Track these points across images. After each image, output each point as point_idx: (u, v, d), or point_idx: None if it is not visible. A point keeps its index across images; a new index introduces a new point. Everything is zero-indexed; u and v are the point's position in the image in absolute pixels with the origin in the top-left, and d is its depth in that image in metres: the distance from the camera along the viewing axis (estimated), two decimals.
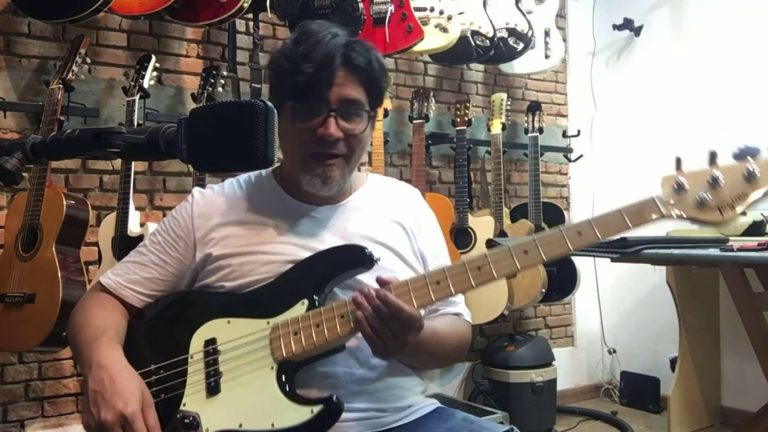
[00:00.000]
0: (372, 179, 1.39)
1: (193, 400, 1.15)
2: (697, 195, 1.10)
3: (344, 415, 1.12)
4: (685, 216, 1.10)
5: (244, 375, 1.14)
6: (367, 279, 1.18)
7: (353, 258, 1.19)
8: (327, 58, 1.18)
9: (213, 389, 1.14)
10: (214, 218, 1.28)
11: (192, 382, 1.16)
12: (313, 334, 1.13)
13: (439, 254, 1.36)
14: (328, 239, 1.24)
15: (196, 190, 1.34)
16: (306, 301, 1.16)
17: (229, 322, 1.18)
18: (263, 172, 1.34)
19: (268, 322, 1.16)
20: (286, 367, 1.13)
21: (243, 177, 1.35)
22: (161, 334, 1.25)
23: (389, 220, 1.32)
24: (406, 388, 1.27)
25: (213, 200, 1.31)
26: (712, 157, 1.11)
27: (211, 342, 1.17)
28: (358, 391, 1.19)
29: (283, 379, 1.13)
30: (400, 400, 1.25)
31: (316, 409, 1.09)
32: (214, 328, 1.18)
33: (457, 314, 1.36)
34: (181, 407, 1.14)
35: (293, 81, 1.18)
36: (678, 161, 1.14)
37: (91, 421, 1.06)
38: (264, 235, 1.25)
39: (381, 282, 1.13)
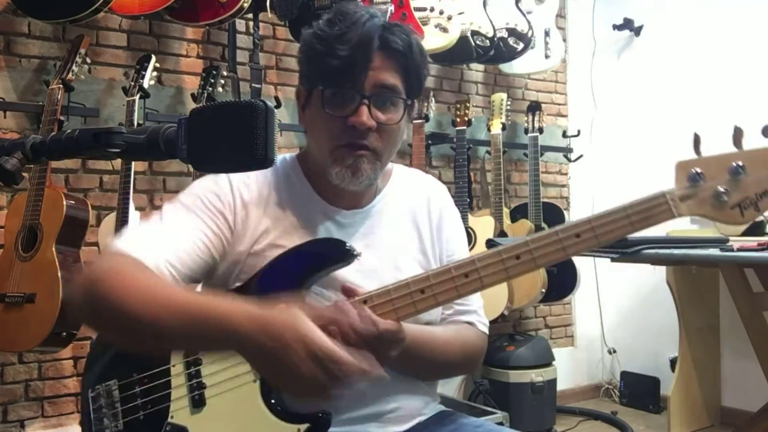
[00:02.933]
0: (398, 174, 1.29)
1: (180, 413, 1.11)
2: (715, 188, 0.94)
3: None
4: (699, 215, 0.97)
5: (229, 389, 1.09)
6: (348, 274, 1.12)
7: (332, 253, 1.10)
8: (364, 40, 1.08)
9: (198, 402, 1.10)
10: (252, 209, 1.15)
11: (177, 395, 1.11)
12: None
13: (454, 258, 1.25)
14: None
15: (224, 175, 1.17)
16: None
17: None
18: (287, 158, 1.23)
19: None
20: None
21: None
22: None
23: (415, 224, 1.24)
24: (415, 409, 1.20)
25: (250, 185, 1.16)
26: (737, 137, 0.95)
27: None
28: (359, 405, 1.13)
29: (268, 393, 1.07)
30: (406, 422, 1.19)
31: (303, 428, 1.04)
32: None
33: (470, 323, 1.25)
34: (169, 419, 1.11)
35: (326, 64, 1.08)
36: (696, 140, 0.97)
37: (310, 384, 0.86)
38: (290, 237, 1.14)
39: (346, 291, 1.05)
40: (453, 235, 1.28)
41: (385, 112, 1.11)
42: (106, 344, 1.25)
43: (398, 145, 1.18)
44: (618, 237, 1.00)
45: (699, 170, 0.96)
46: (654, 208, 0.98)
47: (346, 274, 1.12)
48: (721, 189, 0.94)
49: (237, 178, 1.16)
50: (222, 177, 1.16)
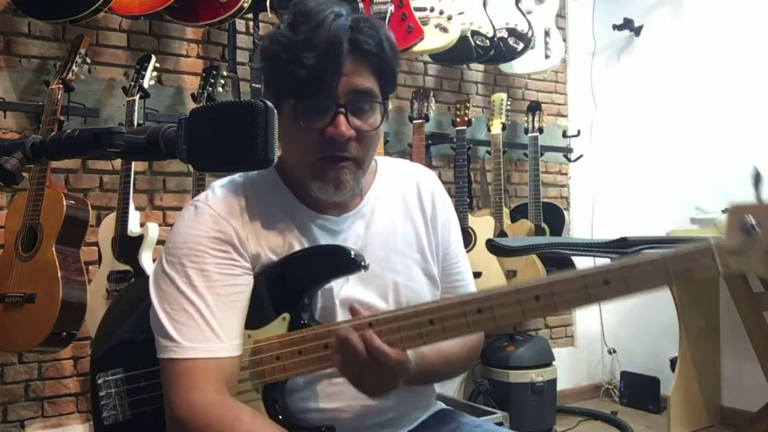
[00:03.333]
0: (383, 169, 1.22)
1: None
2: None
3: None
4: (753, 274, 0.85)
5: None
6: (346, 279, 1.10)
7: (339, 263, 1.07)
8: (332, 45, 1.00)
9: None
10: (249, 233, 1.09)
11: None
12: (296, 363, 1.03)
13: (451, 250, 1.24)
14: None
15: (200, 203, 1.09)
16: (287, 316, 1.06)
17: None
18: (267, 173, 1.15)
19: (250, 335, 1.06)
20: (272, 389, 1.06)
21: (245, 179, 1.14)
22: (145, 334, 1.12)
23: (410, 218, 1.19)
24: (419, 408, 1.21)
25: (231, 208, 1.09)
26: None
27: None
28: (364, 413, 1.12)
29: (273, 406, 1.06)
30: (410, 423, 1.19)
31: None
32: None
33: None
34: None
35: (293, 75, 1.00)
36: (757, 178, 0.82)
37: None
38: (283, 251, 1.10)
39: (352, 311, 1.03)
40: (447, 223, 1.24)
41: (363, 118, 1.05)
42: (112, 327, 1.25)
43: (377, 147, 1.13)
44: (651, 289, 0.88)
45: (756, 222, 0.82)
46: (697, 263, 0.86)
47: (343, 279, 1.11)
48: None
49: (218, 206, 1.08)
50: (206, 212, 1.07)
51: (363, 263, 1.05)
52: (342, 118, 1.03)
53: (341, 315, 1.10)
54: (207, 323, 1.02)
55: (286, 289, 1.07)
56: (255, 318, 1.07)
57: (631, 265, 0.88)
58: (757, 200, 0.83)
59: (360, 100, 1.05)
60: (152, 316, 1.06)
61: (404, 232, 1.18)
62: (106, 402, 1.16)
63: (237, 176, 1.15)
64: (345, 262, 1.06)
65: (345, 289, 1.11)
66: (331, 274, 1.08)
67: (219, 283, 1.04)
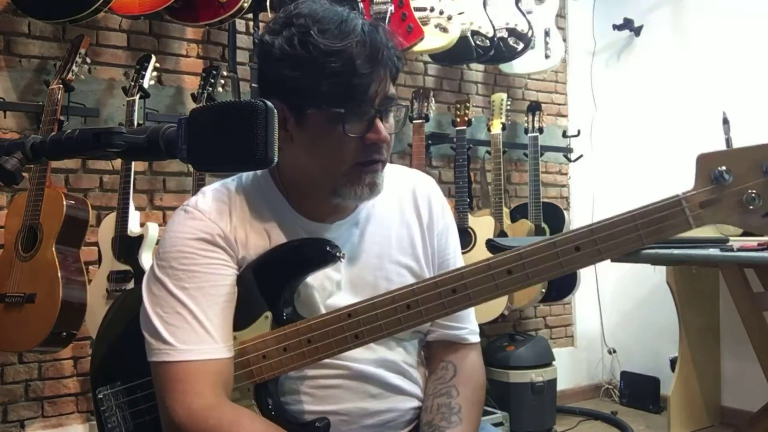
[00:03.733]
0: None
1: None
2: (745, 192, 0.79)
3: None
4: (723, 223, 0.83)
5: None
6: (338, 286, 1.11)
7: (314, 255, 1.06)
8: (375, 54, 1.01)
9: None
10: (228, 230, 1.09)
11: None
12: (282, 361, 1.04)
13: (448, 258, 1.23)
14: (345, 261, 1.12)
15: (189, 206, 1.09)
16: (269, 315, 1.06)
17: None
18: (261, 179, 1.15)
19: (235, 337, 1.06)
20: (263, 389, 1.06)
21: (237, 184, 1.14)
22: (140, 344, 1.09)
23: (405, 223, 1.19)
24: (414, 413, 1.19)
25: (220, 211, 1.09)
26: None
27: None
28: (360, 414, 1.12)
29: (265, 403, 1.06)
30: (406, 426, 1.18)
31: None
32: None
33: (461, 339, 1.23)
34: None
35: (343, 83, 0.99)
36: (725, 121, 0.80)
37: None
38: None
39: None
40: (445, 230, 1.24)
41: (389, 121, 1.08)
42: (108, 339, 1.24)
43: None
44: (624, 251, 0.87)
45: (725, 168, 0.79)
46: (667, 218, 0.84)
47: (334, 285, 1.11)
48: (753, 192, 0.79)
49: (207, 209, 1.08)
50: (196, 216, 1.07)
51: (339, 254, 1.05)
52: (380, 123, 1.04)
53: None
54: (201, 324, 1.02)
55: (264, 288, 1.07)
56: (239, 319, 1.07)
57: (600, 228, 0.86)
58: (726, 147, 0.81)
59: (389, 105, 1.07)
60: (144, 320, 1.05)
61: (399, 240, 1.18)
62: (109, 415, 1.16)
63: (229, 180, 1.15)
64: (320, 254, 1.06)
65: (336, 297, 1.11)
66: (307, 267, 1.07)
67: (209, 284, 1.04)
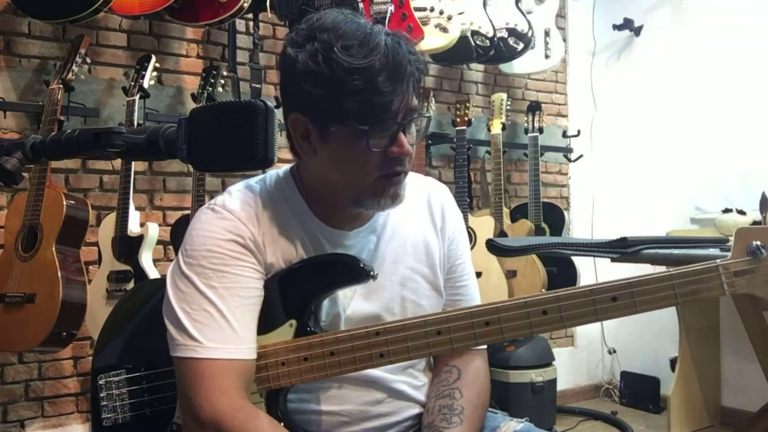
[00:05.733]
0: None
1: None
2: None
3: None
4: (757, 296, 0.87)
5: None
6: (354, 292, 1.12)
7: (348, 272, 1.08)
8: (399, 70, 1.00)
9: None
10: (257, 233, 1.09)
11: None
12: (301, 370, 1.05)
13: (459, 264, 1.25)
14: None
15: (218, 206, 1.09)
16: (294, 323, 1.07)
17: None
18: (284, 183, 1.15)
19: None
20: (275, 395, 1.07)
21: (262, 187, 1.14)
22: (149, 336, 1.14)
23: (421, 231, 1.20)
24: (413, 415, 1.20)
25: (249, 214, 1.09)
26: None
27: None
28: (365, 416, 1.13)
29: (275, 408, 1.06)
30: (411, 427, 1.19)
31: None
32: None
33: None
34: (175, 419, 1.11)
35: (365, 101, 0.99)
36: (764, 203, 0.88)
37: None
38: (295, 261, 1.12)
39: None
40: (457, 236, 1.25)
41: (412, 133, 1.08)
42: (117, 329, 1.25)
43: None
44: (658, 307, 0.92)
45: (760, 243, 0.85)
46: (703, 281, 0.89)
47: (350, 291, 1.12)
48: None
49: (237, 210, 1.09)
50: (226, 216, 1.08)
51: (372, 273, 1.07)
52: (403, 136, 1.04)
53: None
54: (228, 324, 1.02)
55: (294, 296, 1.08)
56: (261, 323, 1.07)
57: (638, 282, 0.91)
58: (764, 224, 0.86)
59: (412, 117, 1.06)
60: (169, 314, 1.05)
61: (414, 247, 1.19)
62: (106, 403, 1.16)
63: (253, 182, 1.15)
64: (354, 272, 1.08)
65: (352, 303, 1.12)
66: (339, 282, 1.09)
67: (238, 285, 1.04)
